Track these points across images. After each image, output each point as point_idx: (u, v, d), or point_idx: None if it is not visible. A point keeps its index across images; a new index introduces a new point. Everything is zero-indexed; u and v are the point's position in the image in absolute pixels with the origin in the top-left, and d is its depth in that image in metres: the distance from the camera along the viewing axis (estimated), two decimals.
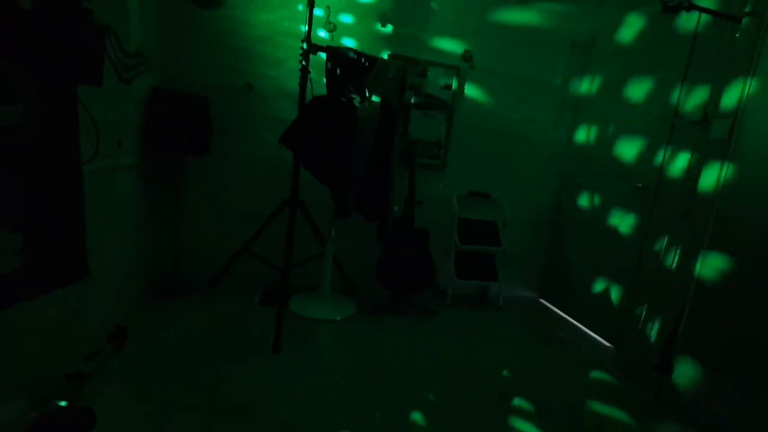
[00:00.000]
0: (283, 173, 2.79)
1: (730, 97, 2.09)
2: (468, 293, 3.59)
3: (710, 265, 2.10)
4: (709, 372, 2.05)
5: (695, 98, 2.37)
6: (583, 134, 3.36)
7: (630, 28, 2.96)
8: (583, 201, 3.27)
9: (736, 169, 2.02)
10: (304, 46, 2.35)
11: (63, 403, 1.52)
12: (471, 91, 3.30)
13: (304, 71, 2.36)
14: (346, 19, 2.98)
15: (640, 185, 2.71)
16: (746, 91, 2.01)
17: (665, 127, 2.56)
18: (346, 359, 2.37)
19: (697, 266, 2.16)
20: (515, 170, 3.51)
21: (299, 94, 2.40)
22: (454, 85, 3.24)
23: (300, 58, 2.37)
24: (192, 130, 2.62)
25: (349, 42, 2.98)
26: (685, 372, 2.18)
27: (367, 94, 2.69)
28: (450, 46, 3.19)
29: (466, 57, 3.21)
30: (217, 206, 3.03)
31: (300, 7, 2.84)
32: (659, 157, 2.58)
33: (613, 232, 2.92)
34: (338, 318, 2.84)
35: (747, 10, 2.05)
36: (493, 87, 3.32)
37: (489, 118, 3.37)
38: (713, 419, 2.00)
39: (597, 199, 3.13)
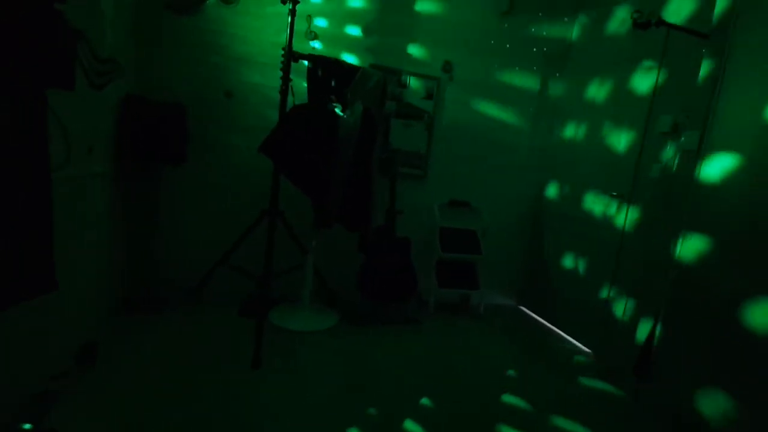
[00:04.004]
0: (262, 183, 2.74)
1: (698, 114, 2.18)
2: (450, 302, 3.59)
3: (684, 271, 2.17)
4: (687, 375, 2.10)
5: (665, 110, 2.47)
6: (560, 143, 3.45)
7: (602, 40, 3.08)
8: (562, 209, 3.34)
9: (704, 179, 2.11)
10: (285, 51, 2.33)
11: (27, 426, 1.43)
12: (451, 101, 3.34)
13: (285, 79, 2.34)
14: (327, 27, 2.97)
15: (615, 194, 2.79)
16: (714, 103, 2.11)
17: (638, 136, 2.66)
18: (328, 371, 2.32)
19: (672, 273, 2.23)
20: (495, 179, 3.56)
21: (280, 102, 2.37)
22: (434, 95, 3.28)
23: (281, 66, 2.35)
24: (168, 138, 2.55)
25: (330, 51, 2.98)
26: (663, 375, 2.23)
27: (349, 103, 2.68)
28: (430, 57, 3.24)
29: (446, 68, 3.26)
30: (194, 217, 2.94)
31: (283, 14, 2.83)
32: (633, 167, 2.67)
33: (591, 239, 2.98)
34: (319, 329, 2.79)
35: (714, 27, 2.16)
36: (472, 97, 3.38)
37: (469, 128, 3.42)
38: (692, 421, 2.04)
39: (575, 207, 3.20)
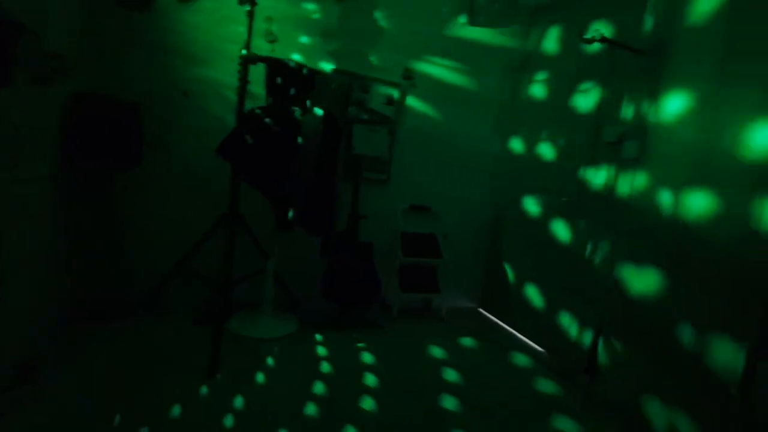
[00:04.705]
0: (222, 185, 2.68)
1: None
2: (413, 305, 3.64)
3: (628, 272, 2.30)
4: (632, 372, 2.23)
5: (612, 121, 2.62)
6: (518, 149, 3.59)
7: (554, 51, 3.25)
8: (519, 214, 3.46)
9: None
10: (244, 53, 2.31)
11: None
12: (413, 107, 3.40)
13: (243, 81, 2.31)
14: (288, 30, 2.96)
15: (565, 199, 2.93)
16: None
17: (587, 145, 2.80)
18: (288, 379, 2.29)
19: (617, 273, 2.37)
20: (456, 184, 3.64)
21: (237, 103, 2.34)
22: (396, 101, 3.33)
23: (239, 67, 2.32)
24: (120, 139, 2.45)
25: (292, 54, 2.97)
26: (610, 373, 2.35)
27: (309, 107, 2.68)
28: (393, 63, 3.29)
29: (408, 75, 3.32)
30: (149, 222, 2.82)
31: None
32: (581, 172, 2.81)
33: (546, 243, 3.10)
34: (279, 335, 2.75)
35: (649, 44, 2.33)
36: (434, 103, 3.45)
37: (431, 134, 3.49)
38: (638, 417, 2.16)
39: (531, 212, 3.32)
